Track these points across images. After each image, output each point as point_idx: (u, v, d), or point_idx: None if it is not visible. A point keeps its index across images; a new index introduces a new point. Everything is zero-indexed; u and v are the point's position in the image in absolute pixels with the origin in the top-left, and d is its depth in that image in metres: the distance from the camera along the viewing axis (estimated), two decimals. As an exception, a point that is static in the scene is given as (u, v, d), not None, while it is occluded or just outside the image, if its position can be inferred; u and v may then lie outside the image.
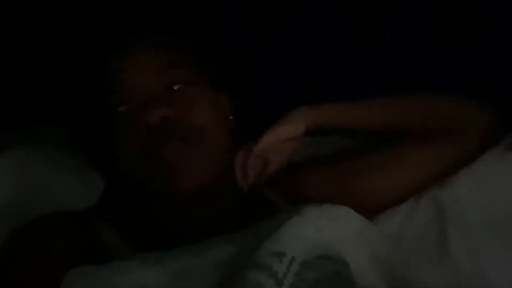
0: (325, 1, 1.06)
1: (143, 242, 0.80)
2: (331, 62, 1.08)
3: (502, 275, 0.82)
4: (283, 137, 0.82)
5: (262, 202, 0.86)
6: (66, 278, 0.72)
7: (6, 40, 1.04)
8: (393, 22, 1.06)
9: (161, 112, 0.79)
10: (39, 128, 1.02)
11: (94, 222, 0.84)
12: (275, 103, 1.08)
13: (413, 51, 1.06)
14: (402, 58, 1.06)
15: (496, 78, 1.04)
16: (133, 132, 0.81)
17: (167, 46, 0.86)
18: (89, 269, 0.73)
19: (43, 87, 1.02)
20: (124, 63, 0.84)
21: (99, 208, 0.92)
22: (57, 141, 1.00)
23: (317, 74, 1.09)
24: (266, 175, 0.82)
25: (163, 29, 0.91)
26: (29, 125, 1.02)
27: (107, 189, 0.96)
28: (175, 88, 0.83)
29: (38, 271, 0.77)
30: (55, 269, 0.74)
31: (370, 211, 0.86)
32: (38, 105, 1.03)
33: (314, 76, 1.09)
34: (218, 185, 0.81)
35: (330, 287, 0.69)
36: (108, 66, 0.84)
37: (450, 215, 0.86)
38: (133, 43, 0.85)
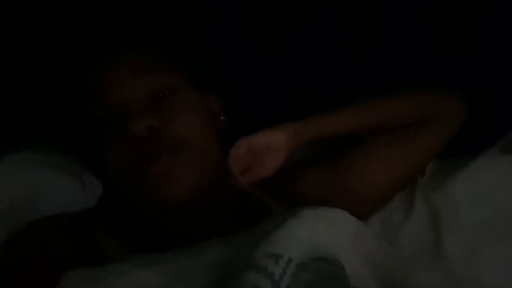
0: (323, 6, 1.06)
1: (140, 244, 0.80)
2: (329, 66, 1.08)
3: (496, 276, 0.82)
4: (258, 145, 0.81)
5: (257, 205, 0.86)
6: (62, 280, 0.72)
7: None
8: (389, 28, 1.06)
9: (145, 121, 0.78)
10: (39, 132, 1.02)
11: (91, 225, 0.84)
12: (274, 106, 1.08)
13: (408, 56, 1.06)
14: (399, 63, 1.06)
15: (491, 84, 1.05)
16: (119, 143, 0.80)
17: (147, 53, 0.84)
18: (85, 271, 0.73)
19: (40, 92, 1.02)
20: (104, 74, 0.82)
21: (97, 211, 0.92)
22: (57, 145, 1.00)
23: (316, 77, 1.09)
24: (246, 182, 0.82)
25: (144, 35, 0.90)
26: (29, 129, 1.02)
27: (105, 193, 0.96)
28: (159, 96, 0.82)
29: (35, 273, 0.77)
30: (52, 271, 0.74)
31: (365, 206, 0.87)
32: (38, 109, 1.03)
33: (313, 79, 1.09)
34: (210, 188, 0.81)
35: (326, 288, 0.69)
36: (88, 78, 0.83)
37: (445, 217, 0.87)
38: (112, 53, 0.84)
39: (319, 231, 0.73)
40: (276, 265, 0.69)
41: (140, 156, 0.78)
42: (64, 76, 0.91)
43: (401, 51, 1.07)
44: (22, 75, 1.03)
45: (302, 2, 1.06)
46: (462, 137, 0.94)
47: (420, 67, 1.07)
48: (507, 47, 1.05)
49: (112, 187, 0.90)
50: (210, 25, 1.05)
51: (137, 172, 0.79)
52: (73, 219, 0.86)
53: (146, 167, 0.78)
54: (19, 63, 1.02)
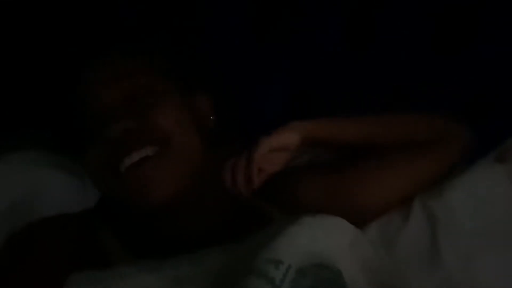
0: (323, 6, 1.06)
1: (139, 244, 0.81)
2: (329, 66, 1.08)
3: (494, 283, 0.82)
4: (276, 146, 0.79)
5: (255, 212, 0.86)
6: (66, 282, 0.73)
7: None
8: (389, 28, 1.06)
9: (122, 125, 0.76)
10: (39, 132, 1.02)
11: (91, 225, 0.84)
12: (274, 106, 1.09)
13: (408, 57, 1.07)
14: (399, 63, 1.07)
15: (490, 90, 1.05)
16: (97, 147, 0.78)
17: (126, 55, 0.83)
18: (89, 274, 0.74)
19: (39, 93, 1.02)
20: (82, 77, 0.81)
21: (98, 211, 0.92)
22: (56, 145, 1.00)
23: (316, 78, 1.09)
24: (257, 183, 0.81)
25: (141, 35, 0.90)
26: (29, 129, 1.03)
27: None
28: (137, 98, 0.80)
29: (35, 274, 0.77)
30: (52, 271, 0.75)
31: (366, 217, 0.87)
32: (38, 109, 1.02)
33: (313, 79, 1.09)
34: (197, 189, 0.80)
35: (325, 294, 0.70)
36: (67, 82, 0.82)
37: (442, 224, 0.86)
38: (96, 58, 0.82)
39: (318, 238, 0.72)
40: (276, 270, 0.69)
41: (116, 158, 0.77)
42: (58, 78, 0.90)
43: (401, 51, 1.07)
44: (22, 76, 1.03)
45: (302, 2, 1.06)
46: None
47: (420, 68, 1.07)
48: (508, 47, 1.05)
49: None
50: (210, 25, 1.05)
51: (114, 175, 0.77)
52: (73, 219, 0.86)
53: (124, 170, 0.76)
54: (19, 63, 1.03)
